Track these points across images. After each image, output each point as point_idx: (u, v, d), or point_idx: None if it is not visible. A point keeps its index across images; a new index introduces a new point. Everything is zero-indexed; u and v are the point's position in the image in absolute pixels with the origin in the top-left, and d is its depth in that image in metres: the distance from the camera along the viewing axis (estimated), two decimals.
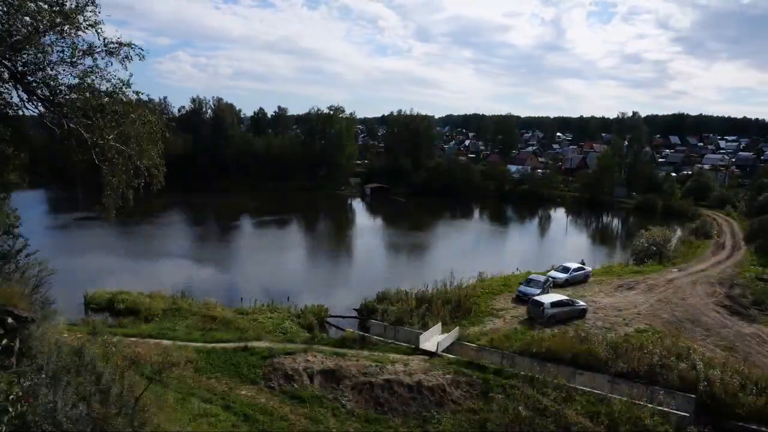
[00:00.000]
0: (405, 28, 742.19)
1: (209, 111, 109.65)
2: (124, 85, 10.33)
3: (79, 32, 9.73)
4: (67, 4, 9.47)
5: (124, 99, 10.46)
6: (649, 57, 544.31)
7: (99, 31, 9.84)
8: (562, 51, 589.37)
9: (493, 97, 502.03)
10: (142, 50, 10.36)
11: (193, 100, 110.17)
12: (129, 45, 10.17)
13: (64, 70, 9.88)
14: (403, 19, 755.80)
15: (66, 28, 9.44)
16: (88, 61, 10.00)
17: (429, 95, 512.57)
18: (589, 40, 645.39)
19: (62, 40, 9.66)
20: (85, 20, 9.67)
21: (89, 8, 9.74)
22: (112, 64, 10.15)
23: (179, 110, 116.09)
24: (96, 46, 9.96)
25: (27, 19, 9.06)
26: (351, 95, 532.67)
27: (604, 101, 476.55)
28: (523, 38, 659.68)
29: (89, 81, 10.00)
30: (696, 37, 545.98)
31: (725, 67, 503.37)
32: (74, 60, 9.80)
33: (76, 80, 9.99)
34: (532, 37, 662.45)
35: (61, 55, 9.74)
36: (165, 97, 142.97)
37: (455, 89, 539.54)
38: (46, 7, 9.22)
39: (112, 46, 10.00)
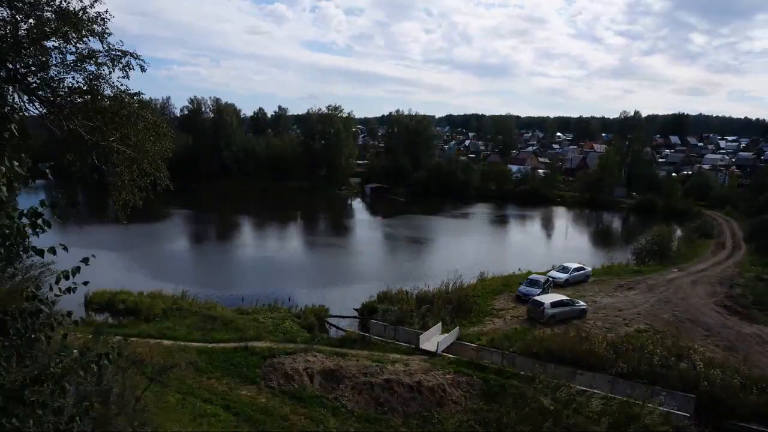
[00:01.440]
0: (299, 20, 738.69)
1: (209, 111, 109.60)
2: (127, 95, 10.37)
3: (83, 40, 9.76)
4: (78, 12, 9.51)
5: (128, 101, 10.48)
6: (558, 52, 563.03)
7: (103, 39, 9.88)
8: (467, 45, 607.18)
9: (455, 94, 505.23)
10: (144, 62, 10.39)
11: (192, 101, 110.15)
12: (132, 54, 10.22)
13: (66, 73, 9.91)
14: (291, 7, 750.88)
15: (72, 35, 9.47)
16: (91, 67, 10.04)
17: (381, 91, 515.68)
18: (486, 33, 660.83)
19: (65, 46, 9.69)
20: (88, 30, 9.72)
21: (98, 22, 9.81)
22: (114, 71, 10.19)
23: (181, 111, 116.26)
24: (99, 52, 10.00)
25: (32, 22, 9.09)
26: (302, 93, 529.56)
27: (558, 100, 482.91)
28: (419, 31, 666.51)
29: (93, 86, 10.04)
30: (585, 30, 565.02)
31: (648, 63, 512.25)
32: (77, 64, 9.83)
33: (79, 84, 10.03)
34: (428, 31, 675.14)
35: (63, 58, 9.77)
36: (168, 98, 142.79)
37: (397, 87, 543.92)
38: (51, 16, 9.25)
39: (114, 53, 10.04)
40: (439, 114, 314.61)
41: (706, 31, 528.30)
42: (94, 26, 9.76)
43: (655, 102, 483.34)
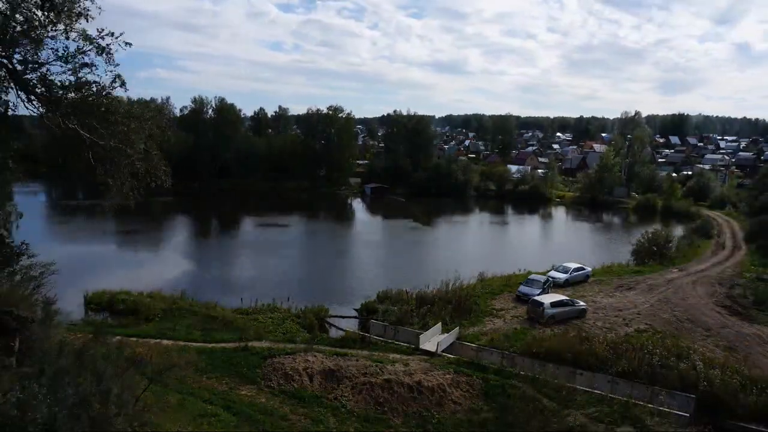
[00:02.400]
0: (235, 14, 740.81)
1: (210, 111, 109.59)
2: (119, 83, 10.34)
3: (71, 25, 9.75)
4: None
5: (118, 98, 10.47)
6: (498, 49, 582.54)
7: (89, 19, 9.86)
8: (407, 42, 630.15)
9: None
10: (126, 41, 10.31)
11: (194, 100, 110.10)
12: (112, 34, 10.16)
13: (60, 66, 9.90)
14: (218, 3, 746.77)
15: (59, 23, 9.47)
16: (83, 59, 10.03)
17: (349, 90, 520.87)
18: (416, 28, 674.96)
19: (55, 39, 9.71)
20: (73, 13, 9.70)
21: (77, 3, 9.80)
22: (101, 55, 10.16)
23: (181, 110, 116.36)
24: (86, 41, 9.99)
25: (20, 17, 9.09)
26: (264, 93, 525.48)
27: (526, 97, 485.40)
28: (360, 28, 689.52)
29: (83, 76, 10.02)
30: (518, 27, 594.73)
31: (595, 59, 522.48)
32: (67, 56, 9.82)
33: (71, 76, 10.02)
34: (370, 27, 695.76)
35: (56, 52, 9.77)
36: (168, 97, 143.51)
37: (363, 85, 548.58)
38: (39, 13, 9.26)
39: (99, 39, 10.00)
40: (439, 114, 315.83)
41: (635, 27, 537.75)
42: (75, 6, 9.70)
43: (622, 100, 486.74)
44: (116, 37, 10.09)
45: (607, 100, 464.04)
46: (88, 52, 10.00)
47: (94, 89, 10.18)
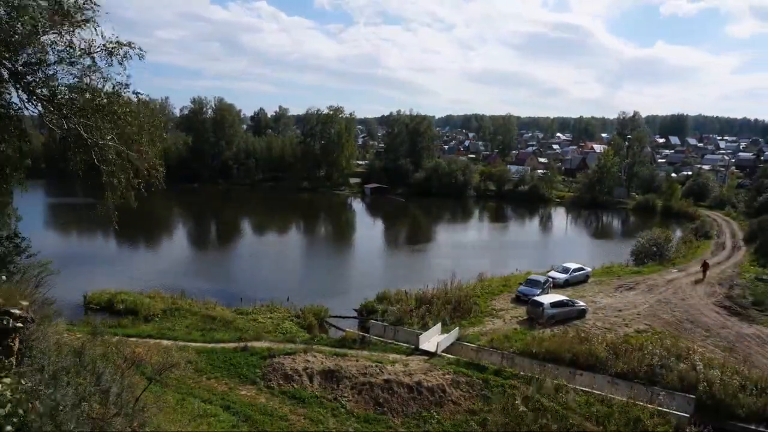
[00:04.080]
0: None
1: (210, 111, 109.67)
2: (123, 87, 10.25)
3: (77, 30, 9.63)
4: (65, 2, 9.40)
5: (124, 99, 10.38)
6: (403, 43, 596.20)
7: (96, 27, 9.73)
8: (341, 42, 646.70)
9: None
10: (142, 50, 10.23)
11: (194, 101, 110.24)
12: (129, 45, 10.08)
13: (63, 69, 9.81)
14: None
15: (65, 26, 9.35)
16: (88, 60, 9.92)
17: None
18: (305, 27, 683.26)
19: (61, 40, 9.59)
20: (83, 18, 9.57)
21: (87, 5, 9.66)
22: (111, 64, 10.06)
23: (180, 110, 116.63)
24: (96, 45, 9.88)
25: (27, 18, 9.00)
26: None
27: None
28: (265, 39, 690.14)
29: (88, 80, 9.92)
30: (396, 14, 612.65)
31: (509, 52, 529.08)
32: (73, 59, 9.71)
33: (76, 80, 9.91)
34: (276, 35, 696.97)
35: (60, 54, 9.67)
36: (167, 98, 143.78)
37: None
38: (45, 4, 9.14)
39: (111, 45, 9.88)
40: (439, 114, 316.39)
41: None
42: (86, 12, 9.58)
43: (583, 98, 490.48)
44: (130, 46, 9.96)
45: (569, 97, 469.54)
46: (96, 57, 9.87)
47: (102, 89, 10.07)
